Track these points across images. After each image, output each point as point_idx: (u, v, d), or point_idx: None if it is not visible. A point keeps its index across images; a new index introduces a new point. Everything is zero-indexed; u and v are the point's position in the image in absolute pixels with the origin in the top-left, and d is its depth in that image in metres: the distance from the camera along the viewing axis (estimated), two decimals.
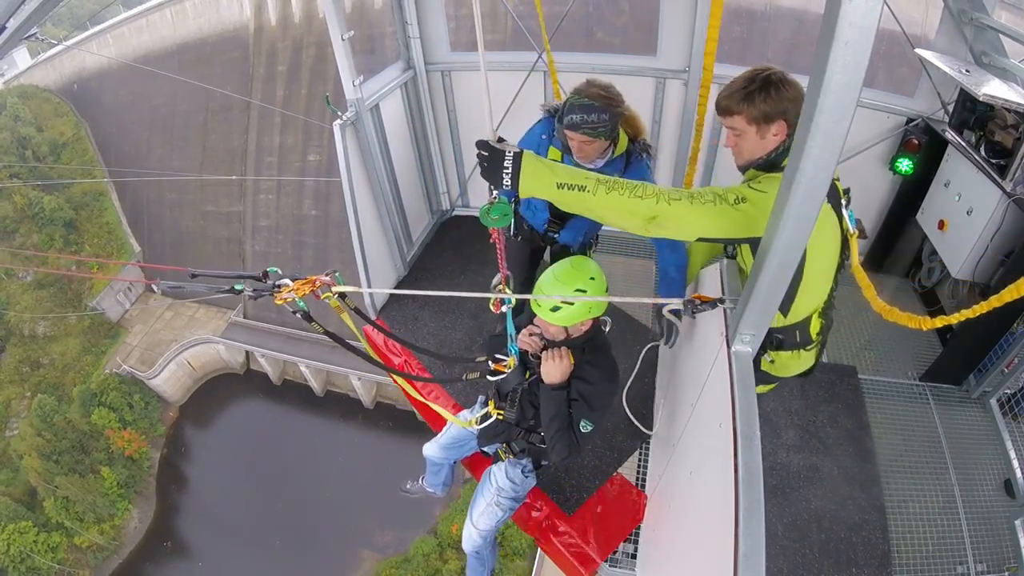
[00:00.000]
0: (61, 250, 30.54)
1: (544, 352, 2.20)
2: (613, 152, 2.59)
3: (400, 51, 4.26)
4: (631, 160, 2.64)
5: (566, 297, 2.05)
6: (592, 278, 2.07)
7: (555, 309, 2.06)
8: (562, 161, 2.68)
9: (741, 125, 1.86)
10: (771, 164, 1.88)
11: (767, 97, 1.78)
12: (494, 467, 2.76)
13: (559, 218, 2.93)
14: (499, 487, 2.68)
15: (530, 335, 2.31)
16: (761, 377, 2.19)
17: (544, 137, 2.70)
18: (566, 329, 2.16)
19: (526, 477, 2.69)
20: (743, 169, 1.98)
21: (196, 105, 32.78)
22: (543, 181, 1.64)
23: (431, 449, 3.08)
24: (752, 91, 1.79)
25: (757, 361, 2.07)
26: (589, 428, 2.20)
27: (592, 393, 2.21)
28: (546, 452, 2.40)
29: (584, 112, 2.33)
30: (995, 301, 1.69)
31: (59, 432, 27.47)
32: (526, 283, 3.52)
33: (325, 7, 3.33)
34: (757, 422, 1.59)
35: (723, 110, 1.89)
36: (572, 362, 2.20)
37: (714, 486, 1.65)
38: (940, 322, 1.81)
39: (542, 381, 2.21)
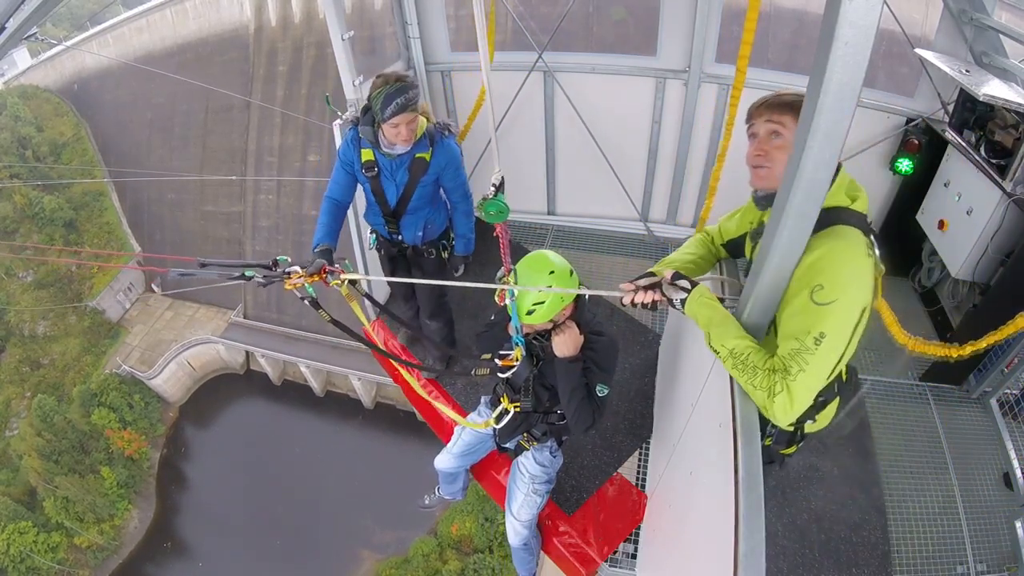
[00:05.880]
0: (61, 250, 30.58)
1: (553, 331, 2.22)
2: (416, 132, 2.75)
3: (400, 51, 4.25)
4: (435, 141, 2.78)
5: (544, 289, 2.05)
6: (551, 272, 2.09)
7: (530, 312, 2.08)
8: (373, 158, 2.79)
9: (790, 128, 1.58)
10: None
11: None
12: (520, 458, 2.77)
13: (393, 216, 2.98)
14: (532, 475, 2.70)
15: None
16: (800, 439, 2.07)
17: (353, 144, 2.83)
18: (553, 320, 2.19)
19: (554, 457, 2.73)
20: (765, 200, 1.71)
21: (196, 105, 32.82)
22: (703, 314, 1.75)
23: (444, 461, 3.03)
24: None
25: (797, 431, 2.00)
26: (605, 391, 2.25)
27: (599, 355, 2.26)
28: (567, 428, 2.49)
29: (404, 92, 2.52)
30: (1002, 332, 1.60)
31: (59, 432, 27.49)
32: (408, 298, 3.61)
33: (325, 7, 3.33)
34: (757, 422, 1.59)
35: (771, 106, 1.62)
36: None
37: (714, 486, 1.65)
38: (969, 349, 1.72)
39: (556, 357, 2.22)
